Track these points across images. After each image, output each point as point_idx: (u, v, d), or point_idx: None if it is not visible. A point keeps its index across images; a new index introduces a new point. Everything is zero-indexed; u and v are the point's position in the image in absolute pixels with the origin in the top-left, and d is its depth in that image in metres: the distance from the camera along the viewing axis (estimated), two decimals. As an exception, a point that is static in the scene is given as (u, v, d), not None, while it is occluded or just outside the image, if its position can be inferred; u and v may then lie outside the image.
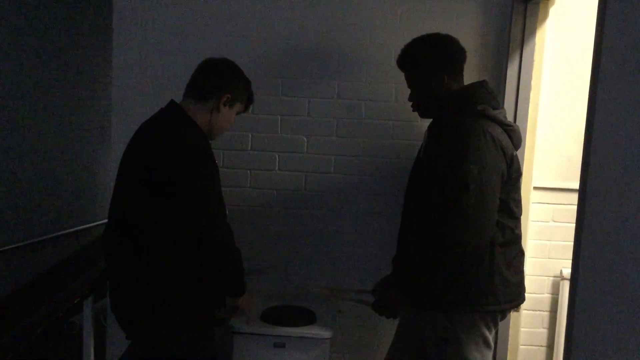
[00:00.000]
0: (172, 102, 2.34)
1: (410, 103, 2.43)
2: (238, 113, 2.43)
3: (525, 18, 2.90)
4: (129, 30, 3.07)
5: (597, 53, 1.49)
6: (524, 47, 2.91)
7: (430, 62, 2.33)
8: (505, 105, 2.92)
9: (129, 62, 3.08)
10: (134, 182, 2.23)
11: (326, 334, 2.74)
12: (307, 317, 2.83)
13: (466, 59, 2.39)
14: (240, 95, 2.39)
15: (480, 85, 2.35)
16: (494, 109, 2.27)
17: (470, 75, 2.49)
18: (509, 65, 2.93)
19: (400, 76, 2.44)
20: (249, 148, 3.14)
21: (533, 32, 2.91)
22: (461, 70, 2.38)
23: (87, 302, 2.58)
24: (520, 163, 2.86)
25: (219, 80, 2.33)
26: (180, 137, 2.19)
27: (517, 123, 2.90)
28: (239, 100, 2.38)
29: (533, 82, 2.93)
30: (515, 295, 2.33)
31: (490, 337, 2.33)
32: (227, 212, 2.41)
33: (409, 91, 2.44)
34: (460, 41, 2.38)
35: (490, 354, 2.36)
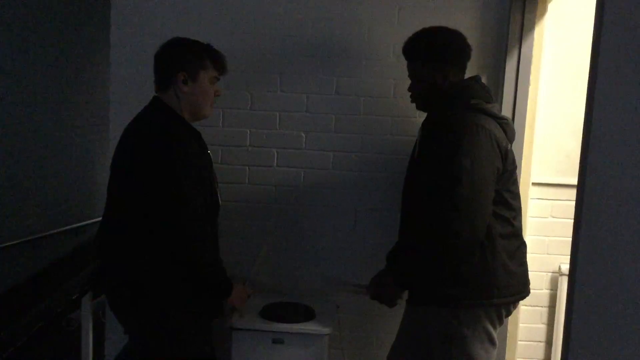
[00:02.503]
0: (154, 98, 2.34)
1: (409, 94, 2.43)
2: (215, 79, 2.33)
3: (523, 14, 2.89)
4: (127, 27, 3.06)
5: (595, 48, 1.49)
6: (523, 42, 2.90)
7: (439, 54, 2.32)
8: (504, 101, 2.92)
9: (127, 59, 3.07)
10: (122, 181, 2.26)
11: (325, 330, 2.74)
12: (306, 313, 2.83)
13: (470, 57, 2.39)
14: (197, 65, 2.27)
15: (473, 80, 2.36)
16: (487, 102, 2.27)
17: (469, 70, 2.49)
18: (507, 61, 2.93)
19: (399, 72, 2.44)
20: (247, 144, 3.13)
21: (531, 28, 2.90)
22: (464, 67, 2.38)
23: (85, 298, 2.58)
24: (519, 159, 2.87)
25: (167, 64, 2.30)
26: (153, 135, 2.20)
27: (515, 119, 2.90)
28: (199, 69, 2.27)
29: (531, 78, 2.93)
30: (519, 288, 2.33)
31: (495, 334, 2.33)
32: (219, 205, 2.40)
33: (407, 87, 2.43)
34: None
35: (494, 352, 2.35)
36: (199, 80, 2.28)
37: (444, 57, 2.31)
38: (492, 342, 2.32)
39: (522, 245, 2.37)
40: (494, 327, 2.32)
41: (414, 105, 2.47)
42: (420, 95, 2.39)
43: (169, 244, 2.14)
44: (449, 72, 2.30)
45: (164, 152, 2.15)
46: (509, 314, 2.40)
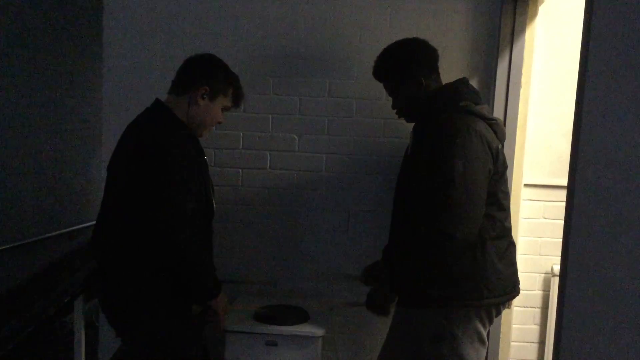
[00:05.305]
0: (156, 101, 2.35)
1: (395, 111, 2.46)
2: (226, 109, 2.40)
3: (514, 16, 2.91)
4: (119, 31, 3.06)
5: (584, 51, 1.50)
6: (514, 45, 2.92)
7: (403, 67, 2.35)
8: (496, 103, 2.93)
9: (120, 63, 3.07)
10: (118, 183, 2.25)
11: (318, 332, 2.74)
12: (300, 316, 2.83)
13: (439, 57, 2.41)
14: (221, 88, 2.33)
15: (461, 82, 2.37)
16: (477, 104, 2.29)
17: (460, 73, 2.51)
18: (499, 63, 2.94)
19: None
20: (240, 147, 3.14)
21: (522, 30, 2.92)
22: (436, 69, 2.40)
23: (78, 301, 2.58)
24: (511, 160, 2.88)
25: (196, 73, 2.33)
26: (150, 137, 2.21)
27: (507, 120, 2.92)
28: (221, 93, 2.33)
29: (523, 80, 2.94)
30: (509, 288, 2.35)
31: (485, 334, 2.34)
32: (214, 210, 2.41)
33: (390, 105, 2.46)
34: (431, 41, 2.41)
35: (484, 351, 2.37)
36: (215, 102, 2.33)
37: (413, 69, 2.34)
38: (482, 341, 2.33)
39: (512, 246, 2.39)
40: (484, 327, 2.33)
41: None
42: (404, 109, 2.42)
43: (158, 246, 2.14)
44: (421, 80, 2.34)
45: (160, 154, 2.15)
46: (499, 313, 2.41)
